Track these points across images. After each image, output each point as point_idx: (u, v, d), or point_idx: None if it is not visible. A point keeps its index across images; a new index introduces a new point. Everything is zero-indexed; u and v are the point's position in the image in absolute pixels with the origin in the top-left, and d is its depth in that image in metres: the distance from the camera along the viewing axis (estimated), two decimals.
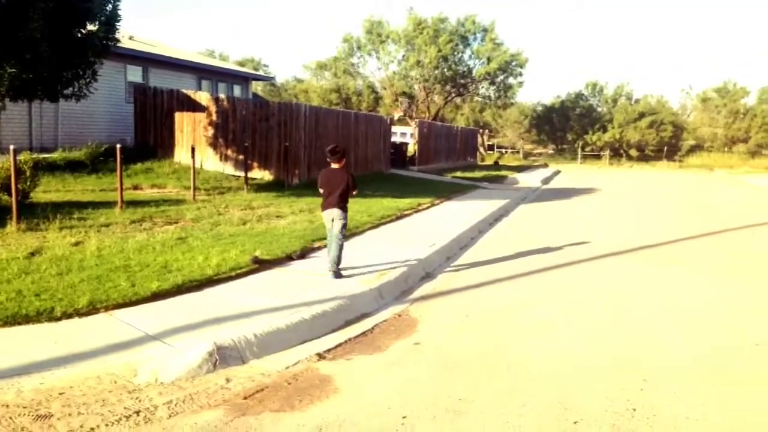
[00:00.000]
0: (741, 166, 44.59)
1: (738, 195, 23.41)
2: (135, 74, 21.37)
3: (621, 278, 8.36)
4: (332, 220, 7.33)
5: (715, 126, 54.88)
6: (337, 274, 7.17)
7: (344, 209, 7.42)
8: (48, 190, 12.81)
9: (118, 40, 13.76)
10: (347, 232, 7.89)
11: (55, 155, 15.99)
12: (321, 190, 7.56)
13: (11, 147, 9.36)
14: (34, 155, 12.86)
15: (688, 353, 5.37)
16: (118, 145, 11.68)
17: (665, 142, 50.71)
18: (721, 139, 54.31)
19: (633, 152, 50.74)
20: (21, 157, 10.60)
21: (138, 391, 4.13)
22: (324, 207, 7.44)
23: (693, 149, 53.09)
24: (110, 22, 12.90)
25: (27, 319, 5.16)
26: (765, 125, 51.58)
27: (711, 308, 6.90)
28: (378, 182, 19.71)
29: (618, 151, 51.14)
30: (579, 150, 50.32)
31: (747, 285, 8.06)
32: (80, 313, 5.38)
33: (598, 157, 50.25)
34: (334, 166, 7.56)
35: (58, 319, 5.25)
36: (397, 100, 41.20)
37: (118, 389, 4.14)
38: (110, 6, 12.85)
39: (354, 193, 7.63)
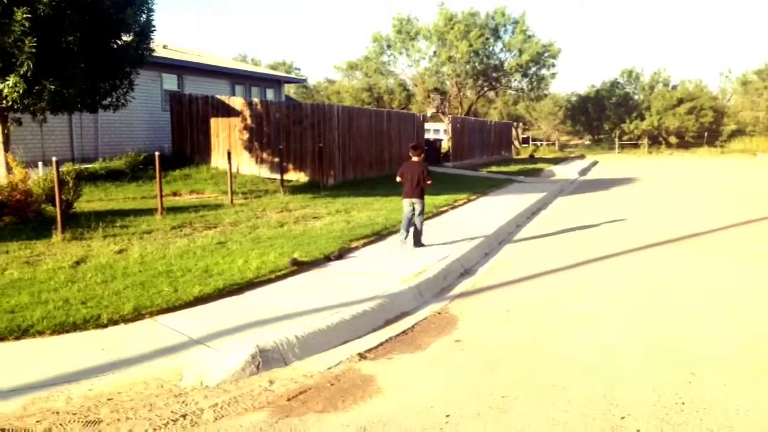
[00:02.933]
0: None
1: None
2: (170, 82, 21.76)
3: (663, 269, 8.19)
4: (411, 205, 8.76)
5: (756, 109, 53.28)
6: (419, 244, 8.85)
7: (422, 197, 8.88)
8: (91, 200, 13.12)
9: (152, 50, 14.01)
10: (387, 230, 9.64)
11: (96, 165, 16.38)
12: (399, 179, 9.06)
13: (54, 159, 9.61)
14: (76, 166, 13.18)
15: (737, 343, 5.22)
16: (157, 153, 11.89)
17: (705, 128, 49.49)
18: (763, 122, 52.70)
19: (672, 139, 49.67)
20: (63, 168, 10.89)
21: (184, 395, 4.20)
22: (404, 195, 8.86)
23: (734, 134, 51.69)
24: (144, 32, 13.15)
25: (75, 327, 5.29)
26: None
27: (755, 298, 6.71)
28: None
29: (657, 139, 50.11)
30: (616, 139, 49.45)
31: None
32: (126, 320, 5.49)
33: (636, 145, 49.32)
34: (414, 159, 8.98)
35: (105, 325, 5.37)
36: (429, 96, 41.06)
37: (165, 393, 4.21)
38: (144, 17, 13.09)
39: (428, 182, 8.93)
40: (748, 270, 8.02)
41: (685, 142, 49.58)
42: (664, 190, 19.31)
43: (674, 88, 52.80)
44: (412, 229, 8.91)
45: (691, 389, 4.31)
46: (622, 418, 3.91)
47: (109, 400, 4.09)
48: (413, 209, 8.78)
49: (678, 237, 10.37)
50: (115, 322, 5.43)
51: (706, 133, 49.51)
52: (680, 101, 49.77)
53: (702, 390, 4.29)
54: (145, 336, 5.17)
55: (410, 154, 9.07)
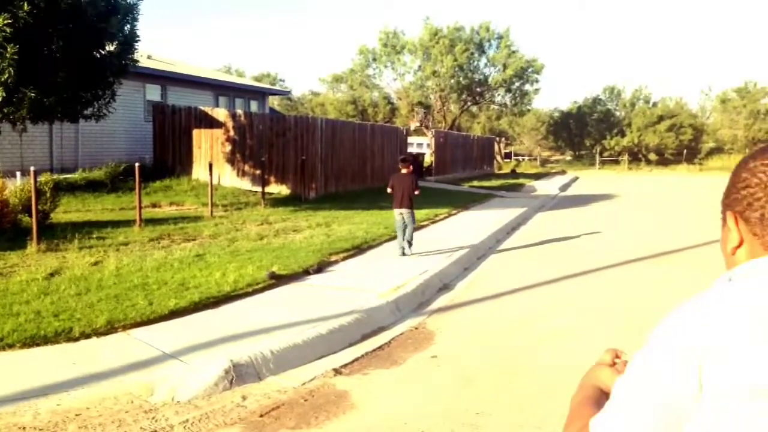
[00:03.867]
0: None
1: None
2: (153, 93, 21.65)
3: (639, 284, 8.25)
4: (401, 215, 9.18)
5: (735, 128, 54.16)
6: (409, 251, 9.26)
7: (411, 207, 9.30)
8: (68, 211, 12.98)
9: (136, 60, 13.95)
10: (367, 244, 9.93)
11: (75, 175, 16.24)
12: (389, 191, 9.48)
13: (32, 168, 9.51)
14: (55, 176, 13.07)
15: None
16: (137, 164, 11.81)
17: (685, 145, 50.18)
18: (741, 140, 53.57)
19: (652, 156, 50.29)
20: (41, 178, 10.76)
21: (154, 411, 4.14)
22: (395, 205, 9.27)
23: (713, 152, 52.50)
24: (128, 42, 13.08)
25: (46, 340, 5.20)
26: None
27: None
28: None
29: (637, 156, 50.71)
30: (597, 155, 49.97)
31: None
32: (98, 333, 5.41)
33: (617, 162, 49.86)
34: (403, 171, 9.48)
35: (77, 339, 5.29)
36: (413, 110, 41.26)
37: (135, 409, 4.15)
38: (128, 26, 13.03)
39: (417, 192, 9.41)
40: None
41: (664, 159, 50.22)
42: (643, 207, 19.51)
43: (655, 105, 53.56)
44: (405, 238, 9.35)
45: None
46: None
47: (77, 415, 4.02)
48: (403, 219, 9.22)
49: (655, 253, 10.46)
50: (88, 336, 5.35)
51: (685, 151, 50.20)
52: (660, 118, 50.46)
53: None
54: (117, 350, 5.10)
55: (399, 167, 9.60)
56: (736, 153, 51.66)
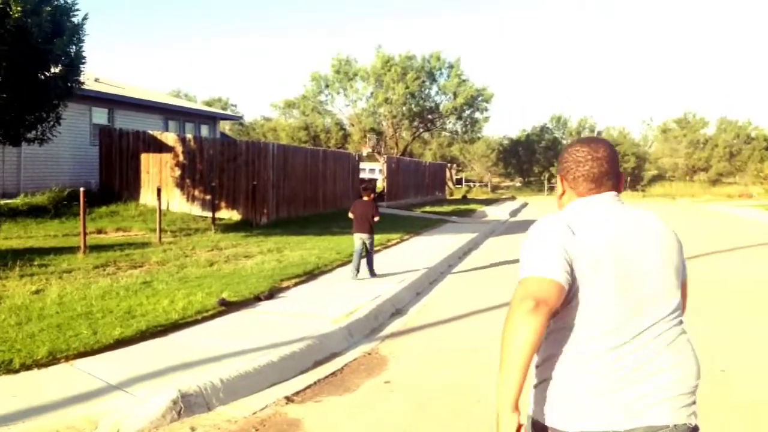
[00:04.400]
0: (703, 195, 45.75)
1: (703, 222, 23.92)
2: (100, 116, 21.23)
3: None
4: (362, 240, 9.47)
5: (676, 156, 56.32)
6: (373, 274, 9.66)
7: (371, 232, 9.66)
8: (9, 237, 12.54)
9: (82, 83, 13.68)
10: (319, 270, 10.03)
11: (17, 201, 15.72)
12: (351, 216, 9.83)
13: None
14: None
15: None
16: (81, 189, 11.52)
17: (628, 172, 51.87)
18: (682, 168, 55.74)
19: None
20: None
21: None
22: (355, 230, 9.58)
23: (655, 179, 54.41)
24: (74, 64, 12.83)
25: None
26: (725, 155, 53.16)
27: None
28: (347, 219, 19.67)
29: None
30: (545, 182, 51.09)
31: (711, 310, 8.18)
32: (40, 364, 5.20)
33: None
34: (365, 198, 9.93)
35: (17, 371, 5.06)
36: (365, 136, 41.53)
37: None
38: (74, 48, 12.78)
39: (377, 219, 9.77)
40: None
41: None
42: None
43: (599, 134, 55.26)
44: (363, 262, 9.63)
45: None
46: None
47: None
48: (364, 243, 9.52)
49: None
50: (29, 367, 5.13)
51: (629, 178, 51.81)
52: None
53: None
54: (59, 381, 4.90)
55: (361, 194, 10.10)
56: (677, 180, 53.69)
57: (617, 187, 2.12)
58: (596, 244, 1.92)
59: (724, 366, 5.88)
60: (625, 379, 1.85)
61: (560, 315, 1.93)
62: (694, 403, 1.94)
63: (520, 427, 1.81)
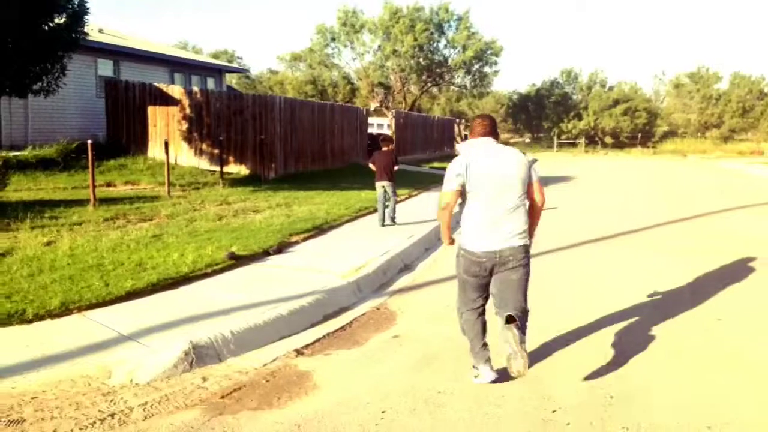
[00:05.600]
0: (714, 151, 45.30)
1: (710, 180, 23.75)
2: (106, 68, 21.03)
3: (594, 265, 8.42)
4: (383, 188, 10.12)
5: (688, 112, 55.52)
6: (394, 221, 10.38)
7: (393, 180, 10.27)
8: (19, 189, 12.59)
9: (86, 33, 13.52)
10: (328, 225, 10.23)
11: (25, 153, 15.71)
12: (371, 167, 10.42)
13: None
14: (4, 153, 12.62)
15: (659, 332, 5.42)
16: (90, 142, 11.49)
17: (639, 128, 51.28)
18: (694, 124, 55.00)
19: (608, 139, 51.24)
20: None
21: (112, 394, 4.07)
22: (378, 179, 10.15)
23: (667, 135, 53.76)
24: (78, 14, 12.66)
25: None
26: (738, 110, 52.38)
27: (682, 289, 6.99)
28: (355, 174, 19.66)
29: (593, 139, 51.59)
30: (555, 138, 50.66)
31: (711, 264, 8.18)
32: (52, 315, 5.28)
33: (574, 144, 50.64)
34: (384, 149, 10.45)
35: (30, 321, 5.15)
36: (373, 90, 41.10)
37: (92, 392, 4.07)
38: None
39: (396, 168, 10.39)
40: (683, 263, 8.35)
41: (620, 142, 51.22)
42: (598, 188, 19.90)
43: (611, 89, 54.50)
44: (387, 210, 10.28)
45: (620, 384, 4.45)
46: (554, 411, 4.01)
47: (33, 398, 3.93)
48: (385, 191, 10.15)
49: (609, 234, 10.69)
50: (42, 318, 5.21)
51: (639, 134, 51.28)
52: (616, 102, 51.36)
53: (628, 384, 4.44)
54: (72, 332, 4.98)
55: (381, 146, 10.59)
56: (689, 137, 53.07)
57: (495, 137, 4.38)
58: (478, 171, 4.15)
59: (720, 315, 5.90)
60: (491, 227, 4.17)
61: (465, 202, 4.27)
62: (522, 237, 4.21)
63: (452, 242, 4.45)
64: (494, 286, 4.29)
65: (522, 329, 4.21)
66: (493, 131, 4.34)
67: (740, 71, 56.47)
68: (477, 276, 4.28)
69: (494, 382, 4.26)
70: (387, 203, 10.31)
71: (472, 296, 4.37)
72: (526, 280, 4.31)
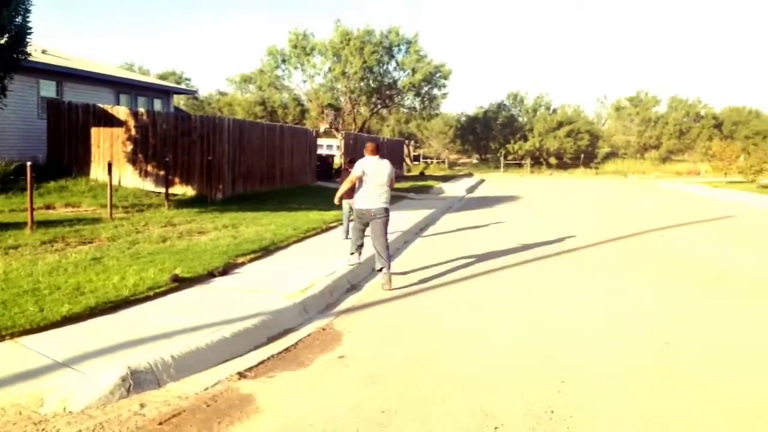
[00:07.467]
0: (652, 172, 46.95)
1: (648, 199, 24.55)
2: (49, 89, 20.48)
3: (539, 282, 8.58)
4: (349, 204, 10.51)
5: (628, 134, 57.45)
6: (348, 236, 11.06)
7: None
8: None
9: (28, 54, 13.20)
10: (275, 246, 10.06)
11: None
12: (339, 181, 11.70)
13: None
14: None
15: (602, 349, 5.55)
16: (29, 163, 11.15)
17: (582, 150, 52.67)
18: (634, 146, 56.93)
19: (552, 160, 52.45)
20: None
21: (44, 422, 3.92)
22: (346, 197, 10.18)
23: (608, 156, 55.44)
24: (20, 35, 12.37)
25: None
26: (675, 132, 54.44)
27: (624, 307, 7.18)
28: (304, 195, 19.60)
29: (538, 160, 52.73)
30: (502, 159, 51.58)
31: (657, 282, 8.44)
32: None
33: (520, 165, 51.66)
34: (350, 169, 10.69)
35: None
36: (323, 112, 41.14)
37: (23, 421, 3.91)
38: (20, 18, 12.31)
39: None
40: (627, 280, 8.57)
41: (563, 162, 52.50)
42: (543, 207, 20.33)
43: (555, 111, 55.87)
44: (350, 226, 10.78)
45: (560, 398, 4.53)
46: (496, 428, 4.04)
47: None
48: (350, 207, 10.40)
49: (554, 252, 10.92)
50: None
51: (582, 155, 52.69)
52: (560, 124, 52.70)
53: (568, 399, 4.52)
54: (4, 359, 4.78)
55: (347, 167, 11.05)
56: (629, 157, 54.83)
57: (380, 155, 8.40)
58: (368, 169, 8.14)
59: (668, 339, 6.09)
60: (367, 198, 8.21)
61: (361, 184, 8.23)
62: (385, 203, 8.22)
63: (340, 199, 9.27)
64: (369, 227, 8.27)
65: (386, 257, 8.15)
66: (378, 151, 8.40)
67: (678, 95, 58.72)
68: (362, 221, 8.38)
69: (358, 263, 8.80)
70: (351, 217, 10.36)
71: (359, 228, 8.55)
72: (386, 225, 8.26)
